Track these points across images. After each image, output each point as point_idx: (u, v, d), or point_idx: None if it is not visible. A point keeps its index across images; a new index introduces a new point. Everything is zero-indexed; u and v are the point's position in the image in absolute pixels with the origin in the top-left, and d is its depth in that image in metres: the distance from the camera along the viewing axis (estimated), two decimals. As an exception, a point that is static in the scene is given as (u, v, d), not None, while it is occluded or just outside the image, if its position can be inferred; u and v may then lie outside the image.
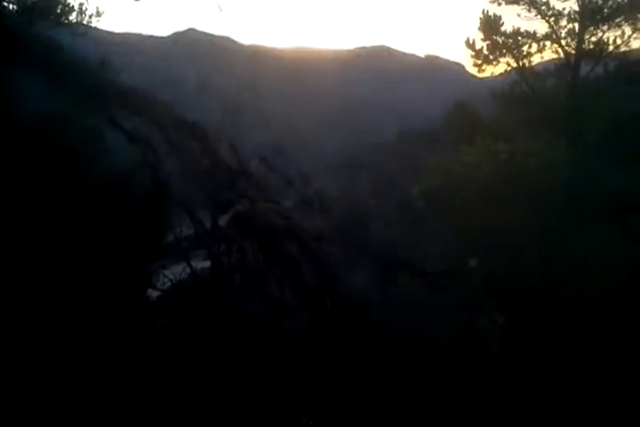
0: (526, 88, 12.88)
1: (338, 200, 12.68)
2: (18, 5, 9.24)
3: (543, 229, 7.21)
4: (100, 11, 11.43)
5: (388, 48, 52.76)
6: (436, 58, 52.89)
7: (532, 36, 12.96)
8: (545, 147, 7.60)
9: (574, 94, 12.30)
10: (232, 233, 3.79)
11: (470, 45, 13.39)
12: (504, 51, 12.95)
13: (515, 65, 13.06)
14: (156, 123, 4.39)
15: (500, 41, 12.95)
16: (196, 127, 4.48)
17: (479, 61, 13.09)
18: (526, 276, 7.20)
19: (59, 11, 10.65)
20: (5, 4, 8.66)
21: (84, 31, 10.97)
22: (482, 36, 13.05)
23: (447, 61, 52.55)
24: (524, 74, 13.02)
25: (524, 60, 12.93)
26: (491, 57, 12.94)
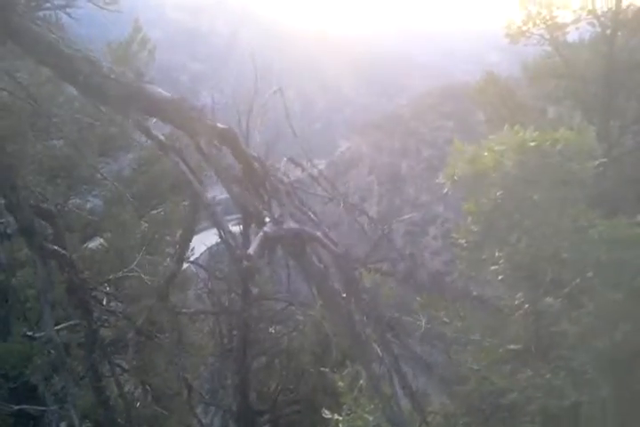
0: (559, 60, 12.58)
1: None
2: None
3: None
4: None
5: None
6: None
7: (567, 6, 12.56)
8: (576, 134, 7.46)
9: (610, 68, 11.97)
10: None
11: (503, 15, 13.06)
12: (538, 22, 12.57)
13: (548, 37, 12.71)
14: (187, 130, 4.50)
15: (535, 11, 12.58)
16: (227, 133, 4.56)
17: (512, 32, 12.75)
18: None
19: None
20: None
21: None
22: (516, 6, 12.71)
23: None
24: (557, 45, 12.68)
25: (559, 33, 12.57)
26: (524, 28, 12.59)
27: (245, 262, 3.80)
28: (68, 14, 9.57)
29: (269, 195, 4.49)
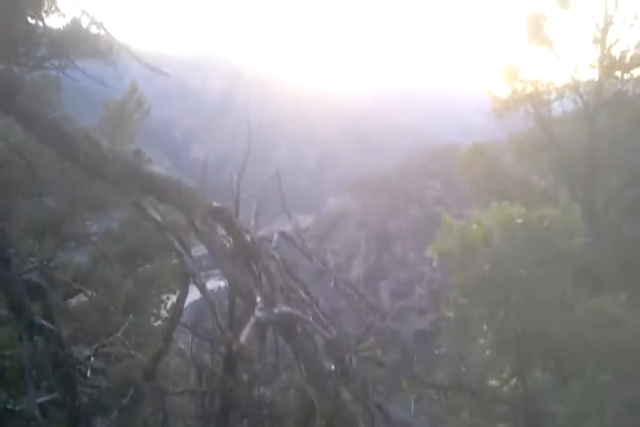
0: (544, 135, 13.00)
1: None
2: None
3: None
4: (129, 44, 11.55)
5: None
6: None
7: (551, 85, 13.12)
8: (562, 211, 7.63)
9: (592, 144, 12.40)
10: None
11: (489, 91, 13.58)
12: (523, 98, 13.08)
13: (533, 112, 13.19)
14: (183, 208, 4.55)
15: (520, 88, 13.10)
16: (221, 211, 4.62)
17: (498, 107, 13.21)
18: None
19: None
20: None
21: (116, 59, 11.08)
22: (501, 82, 13.25)
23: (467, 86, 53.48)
24: (542, 121, 13.15)
25: (543, 108, 13.07)
26: (510, 104, 13.07)
27: (235, 346, 3.79)
28: (66, 74, 9.82)
29: (260, 270, 4.53)
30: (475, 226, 7.91)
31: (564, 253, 7.48)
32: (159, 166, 4.94)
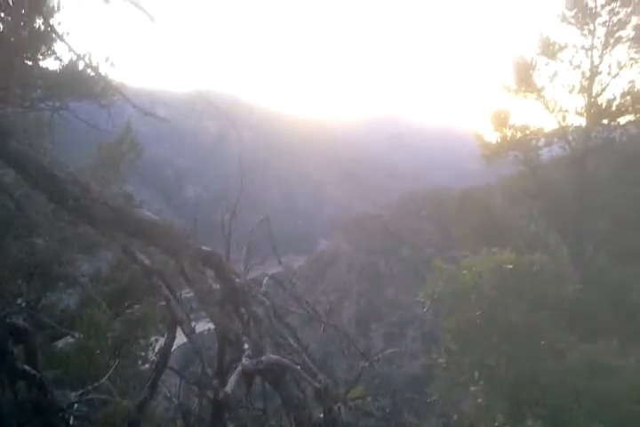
0: (533, 181, 13.19)
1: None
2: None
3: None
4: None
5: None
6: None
7: (540, 131, 13.40)
8: (551, 257, 7.65)
9: (581, 190, 12.57)
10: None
11: (479, 137, 13.85)
12: (513, 144, 13.33)
13: (522, 158, 13.41)
14: (172, 253, 4.54)
15: (509, 134, 13.36)
16: (211, 256, 4.60)
17: (488, 153, 13.43)
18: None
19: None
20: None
21: (110, 101, 11.12)
22: (491, 128, 13.53)
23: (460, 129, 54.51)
24: (531, 167, 13.36)
25: (532, 154, 13.30)
26: (499, 150, 13.30)
27: (221, 395, 3.72)
28: (61, 115, 9.91)
29: (249, 315, 4.49)
30: (465, 271, 7.91)
31: (554, 300, 7.46)
32: (152, 206, 4.96)
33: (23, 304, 8.67)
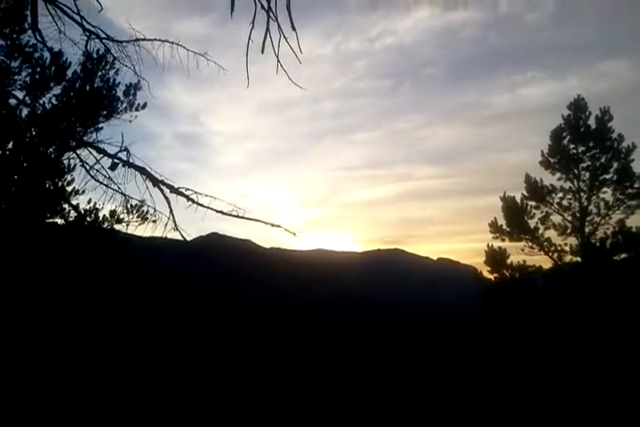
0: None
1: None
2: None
3: None
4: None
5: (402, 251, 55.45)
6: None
7: (538, 270, 13.57)
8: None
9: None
10: None
11: (478, 275, 14.00)
12: (511, 283, 13.43)
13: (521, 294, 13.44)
14: None
15: (507, 274, 13.50)
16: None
17: (488, 293, 13.48)
18: None
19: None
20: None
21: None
22: (488, 268, 13.71)
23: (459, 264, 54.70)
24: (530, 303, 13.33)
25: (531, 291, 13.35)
26: (499, 289, 13.37)
27: None
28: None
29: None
30: None
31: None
32: None
33: None
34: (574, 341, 12.34)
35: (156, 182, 6.49)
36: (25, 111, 8.80)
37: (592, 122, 14.72)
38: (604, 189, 14.35)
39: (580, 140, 14.66)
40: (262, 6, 3.63)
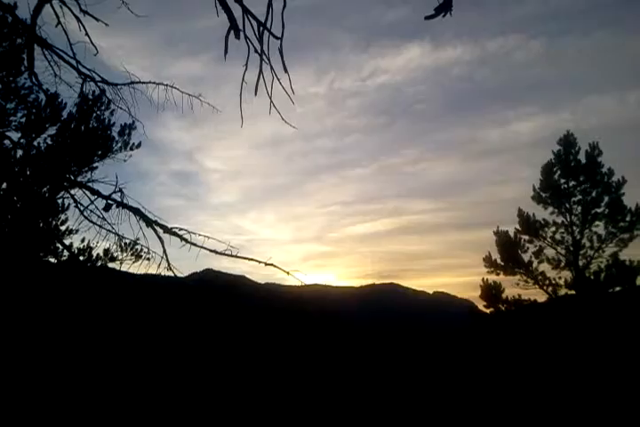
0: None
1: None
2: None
3: None
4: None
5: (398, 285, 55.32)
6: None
7: (532, 304, 13.55)
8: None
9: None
10: None
11: (473, 310, 13.95)
12: (506, 317, 13.36)
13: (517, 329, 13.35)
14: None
15: (503, 308, 13.45)
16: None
17: (482, 328, 13.38)
18: None
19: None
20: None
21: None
22: (484, 302, 13.67)
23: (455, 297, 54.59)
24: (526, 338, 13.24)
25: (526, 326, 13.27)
26: (494, 323, 13.29)
27: None
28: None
29: None
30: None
31: None
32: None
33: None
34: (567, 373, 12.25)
35: (150, 223, 6.48)
36: (20, 152, 8.88)
37: (582, 157, 14.94)
38: (596, 222, 14.45)
39: (571, 174, 14.83)
40: (255, 49, 3.72)
